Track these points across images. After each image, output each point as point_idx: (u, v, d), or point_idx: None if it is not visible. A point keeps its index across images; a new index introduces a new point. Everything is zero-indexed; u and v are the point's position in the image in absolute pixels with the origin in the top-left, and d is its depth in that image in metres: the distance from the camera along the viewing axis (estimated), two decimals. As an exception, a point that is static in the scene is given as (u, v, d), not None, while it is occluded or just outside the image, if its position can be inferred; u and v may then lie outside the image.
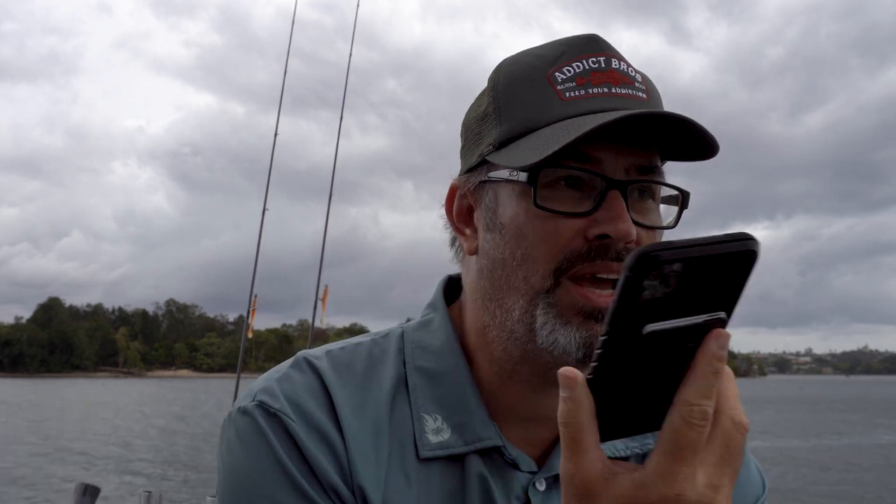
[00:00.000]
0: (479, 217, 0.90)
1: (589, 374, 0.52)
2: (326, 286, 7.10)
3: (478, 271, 0.89)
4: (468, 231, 0.91)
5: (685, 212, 0.87)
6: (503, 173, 0.84)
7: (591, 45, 0.85)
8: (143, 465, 18.04)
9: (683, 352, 0.51)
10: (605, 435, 0.54)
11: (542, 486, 0.86)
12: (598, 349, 0.51)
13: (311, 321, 6.90)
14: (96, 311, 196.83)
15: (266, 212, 7.09)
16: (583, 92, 0.82)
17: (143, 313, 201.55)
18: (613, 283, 0.79)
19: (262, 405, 0.83)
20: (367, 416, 0.85)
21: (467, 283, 0.93)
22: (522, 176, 0.82)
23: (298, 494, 0.79)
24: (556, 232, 0.81)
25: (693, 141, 0.80)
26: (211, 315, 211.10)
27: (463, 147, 0.94)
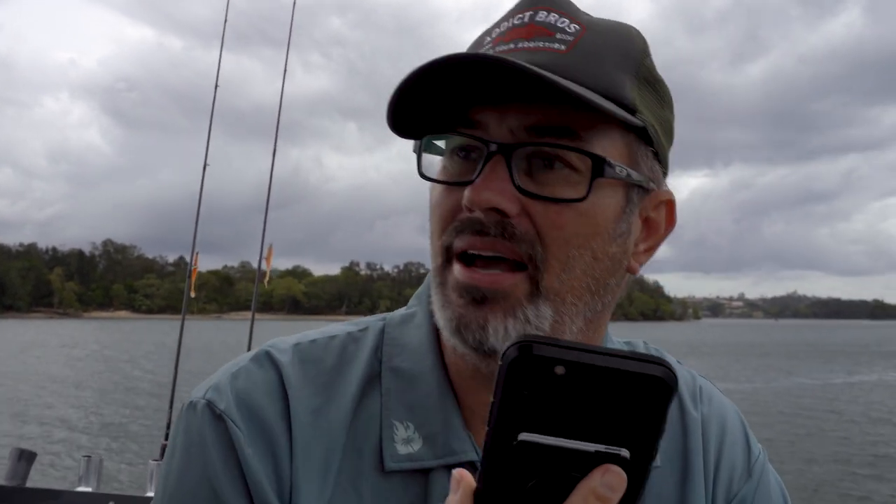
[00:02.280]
0: None
1: (477, 481, 0.46)
2: (271, 245, 7.06)
3: None
4: None
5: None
6: None
7: (527, 1, 0.77)
8: (82, 424, 17.26)
9: (569, 482, 0.44)
10: None
11: None
12: (482, 453, 0.45)
13: (254, 284, 6.84)
14: (29, 251, 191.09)
15: (207, 167, 6.93)
16: (492, 52, 0.75)
17: (79, 253, 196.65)
18: (485, 259, 0.73)
19: (209, 404, 0.77)
20: (326, 421, 0.78)
21: None
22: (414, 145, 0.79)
23: None
24: (441, 204, 0.76)
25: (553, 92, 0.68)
26: (150, 256, 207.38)
27: None
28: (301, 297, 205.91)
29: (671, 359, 0.90)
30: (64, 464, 12.30)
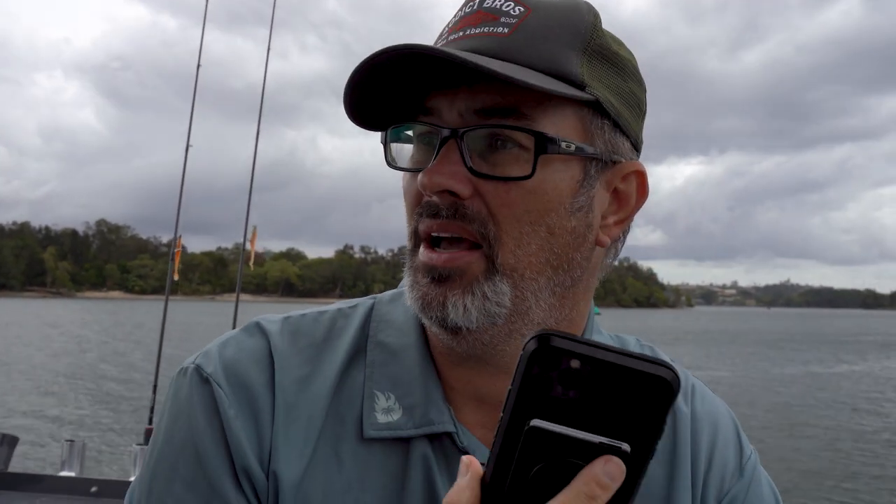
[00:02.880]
0: None
1: (486, 466, 0.49)
2: (255, 227, 7.05)
3: None
4: None
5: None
6: None
7: None
8: (65, 408, 16.88)
9: (572, 470, 0.46)
10: None
11: None
12: (494, 438, 0.48)
13: (239, 265, 6.83)
14: (23, 230, 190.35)
15: (190, 148, 6.87)
16: (442, 42, 0.78)
17: (73, 233, 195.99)
18: (447, 240, 0.76)
19: (197, 368, 0.81)
20: (311, 390, 0.81)
21: None
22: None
23: (203, 474, 0.76)
24: (408, 190, 0.79)
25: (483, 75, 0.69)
26: (144, 236, 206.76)
27: None
28: (295, 279, 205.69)
29: (666, 357, 0.96)
30: (47, 448, 12.09)
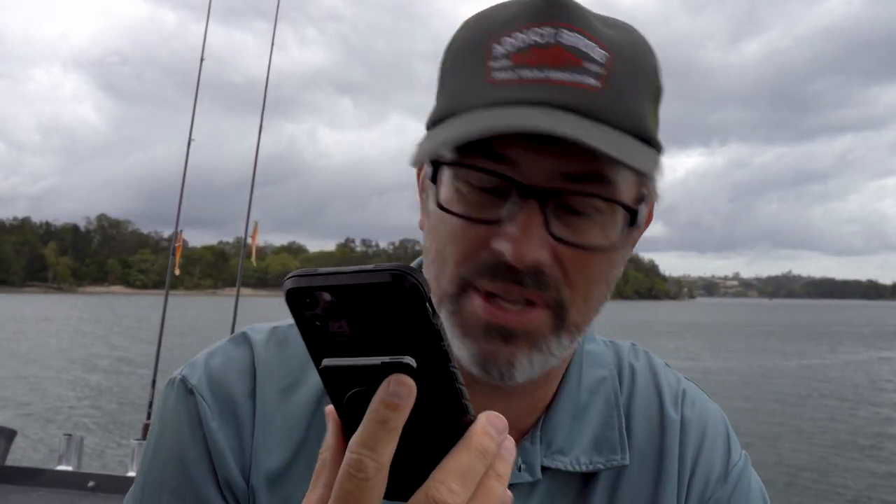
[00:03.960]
0: (424, 188, 0.80)
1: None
2: (256, 223, 7.01)
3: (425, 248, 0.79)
4: (423, 196, 0.79)
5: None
6: None
7: (543, 11, 0.70)
8: (63, 402, 16.83)
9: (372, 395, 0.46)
10: None
11: None
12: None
13: (240, 261, 6.80)
14: (23, 225, 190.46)
15: (192, 142, 6.84)
16: (514, 75, 0.69)
17: (74, 228, 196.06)
18: (520, 303, 0.72)
19: (183, 380, 0.82)
20: (294, 401, 0.80)
21: None
22: (429, 170, 0.73)
23: (189, 485, 0.78)
24: (463, 237, 0.72)
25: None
26: (145, 231, 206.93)
27: None
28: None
29: (661, 361, 0.94)
30: (44, 442, 12.02)
